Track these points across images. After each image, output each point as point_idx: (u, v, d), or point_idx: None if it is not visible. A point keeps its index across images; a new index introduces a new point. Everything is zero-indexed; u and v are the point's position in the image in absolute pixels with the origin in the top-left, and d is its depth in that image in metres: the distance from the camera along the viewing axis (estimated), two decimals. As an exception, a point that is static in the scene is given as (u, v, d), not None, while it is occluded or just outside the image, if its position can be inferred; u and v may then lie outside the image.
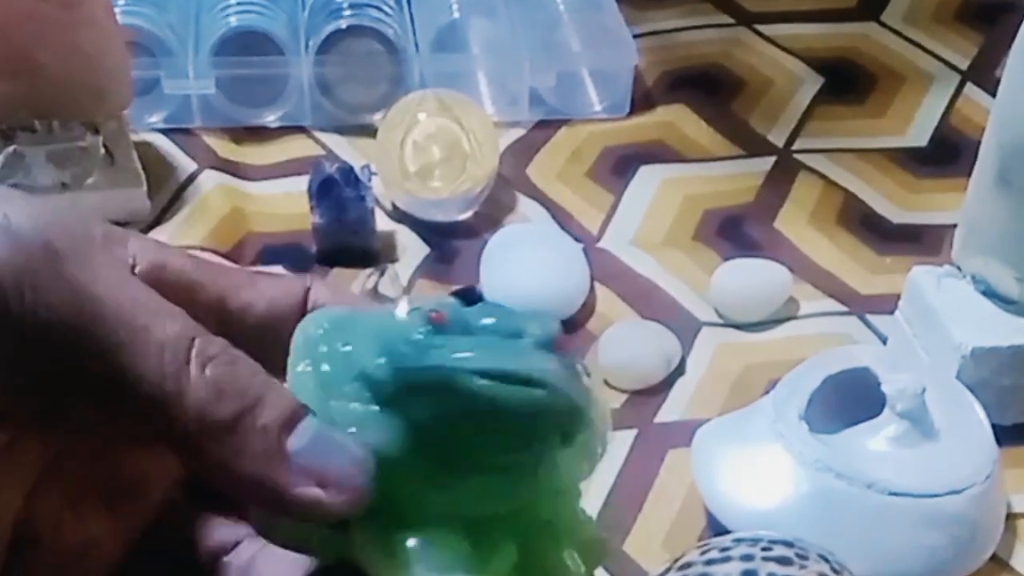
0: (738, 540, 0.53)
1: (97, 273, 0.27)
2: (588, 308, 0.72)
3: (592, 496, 0.63)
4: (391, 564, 0.28)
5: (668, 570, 0.53)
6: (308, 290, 0.31)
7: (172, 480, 0.32)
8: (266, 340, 0.31)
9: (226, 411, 0.27)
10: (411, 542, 0.28)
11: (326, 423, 0.28)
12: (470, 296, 0.71)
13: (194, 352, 0.27)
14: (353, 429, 0.28)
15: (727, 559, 0.52)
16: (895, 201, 0.80)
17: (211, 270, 0.31)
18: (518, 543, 0.30)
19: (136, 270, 0.29)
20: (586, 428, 0.30)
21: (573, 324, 0.70)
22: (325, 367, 0.29)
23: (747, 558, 0.52)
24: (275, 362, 0.30)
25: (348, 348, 0.29)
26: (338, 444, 0.28)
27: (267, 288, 0.31)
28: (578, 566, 0.31)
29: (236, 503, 0.31)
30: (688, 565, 0.53)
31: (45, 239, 0.26)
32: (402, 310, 0.29)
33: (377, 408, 0.28)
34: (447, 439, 0.28)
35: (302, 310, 0.31)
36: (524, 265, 0.71)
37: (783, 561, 0.51)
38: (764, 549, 0.52)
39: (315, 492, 0.28)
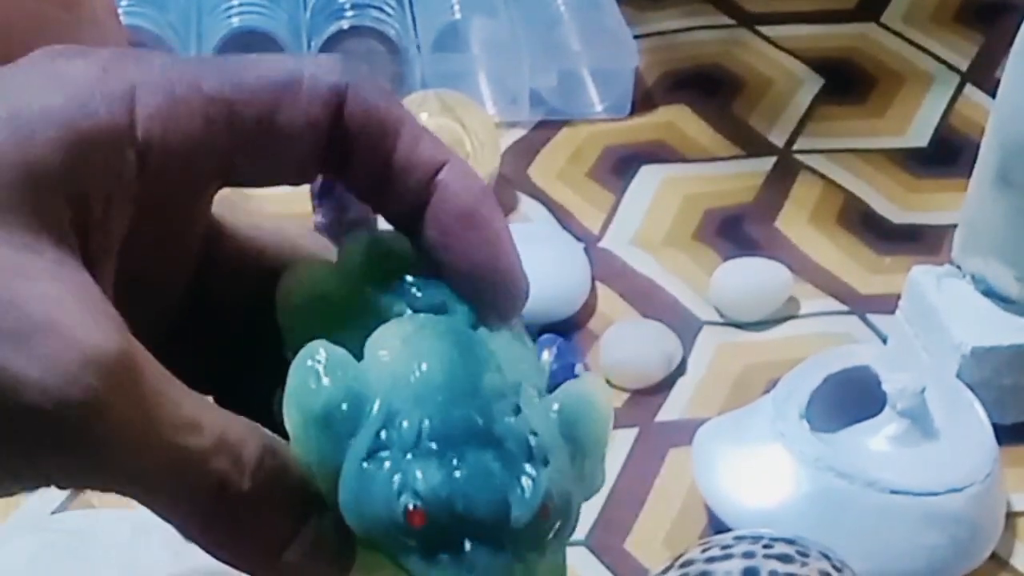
0: (739, 538, 0.54)
1: (129, 425, 0.26)
2: (589, 307, 0.72)
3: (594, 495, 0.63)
4: None
5: (669, 568, 0.53)
6: (341, 104, 0.28)
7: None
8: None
9: (236, 533, 0.27)
10: None
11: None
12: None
13: (223, 487, 0.27)
14: None
15: (728, 556, 0.52)
16: (895, 201, 0.80)
17: (223, 127, 0.28)
18: None
19: (148, 157, 0.27)
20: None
21: (574, 324, 0.71)
22: (307, 450, 0.28)
23: (748, 555, 0.52)
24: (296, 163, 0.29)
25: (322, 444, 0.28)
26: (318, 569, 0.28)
27: (284, 144, 0.28)
28: None
29: None
30: (689, 563, 0.53)
31: (84, 394, 0.25)
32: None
33: None
34: None
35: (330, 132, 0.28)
36: (525, 264, 0.71)
37: (784, 559, 0.52)
38: (765, 547, 0.52)
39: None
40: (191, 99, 0.27)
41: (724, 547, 0.53)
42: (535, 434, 0.28)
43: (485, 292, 0.30)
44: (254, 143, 0.28)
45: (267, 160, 0.28)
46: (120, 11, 0.78)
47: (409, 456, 0.27)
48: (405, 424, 0.27)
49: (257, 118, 0.28)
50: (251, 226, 0.32)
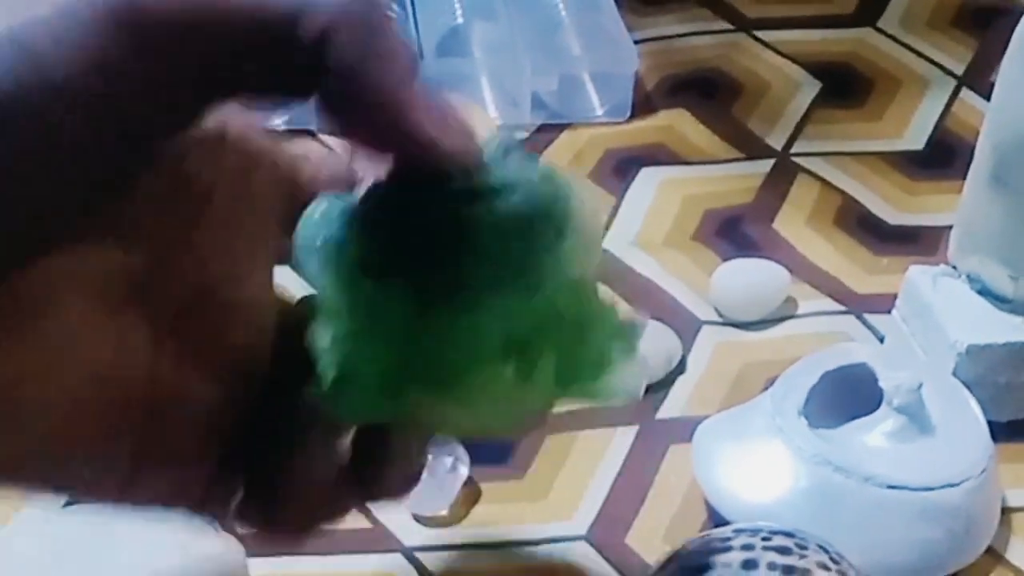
0: (739, 531, 0.54)
1: None
2: (590, 307, 0.73)
3: (594, 490, 0.64)
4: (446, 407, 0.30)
5: (669, 560, 0.54)
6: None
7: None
8: None
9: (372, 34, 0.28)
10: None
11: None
12: None
13: None
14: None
15: (728, 548, 0.53)
16: (892, 203, 0.81)
17: (273, 136, 0.32)
18: (554, 353, 0.31)
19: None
20: (572, 217, 0.31)
21: (575, 323, 0.71)
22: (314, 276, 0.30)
23: (747, 547, 0.53)
24: None
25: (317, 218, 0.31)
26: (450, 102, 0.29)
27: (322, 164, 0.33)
28: (616, 352, 0.33)
29: None
30: (689, 555, 0.53)
31: None
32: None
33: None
34: (452, 277, 0.29)
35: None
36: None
37: (783, 551, 0.52)
38: (764, 539, 0.53)
39: (438, 131, 0.29)
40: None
41: (724, 539, 0.54)
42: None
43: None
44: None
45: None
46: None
47: None
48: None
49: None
50: None
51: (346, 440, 0.33)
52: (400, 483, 0.34)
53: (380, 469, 0.34)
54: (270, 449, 0.33)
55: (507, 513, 0.63)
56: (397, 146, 0.29)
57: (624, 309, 0.33)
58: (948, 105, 0.88)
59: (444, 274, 0.29)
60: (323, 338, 0.31)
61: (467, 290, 0.29)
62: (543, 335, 0.31)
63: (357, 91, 0.28)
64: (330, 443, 0.33)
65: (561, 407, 0.33)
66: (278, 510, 0.33)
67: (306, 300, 0.33)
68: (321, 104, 0.28)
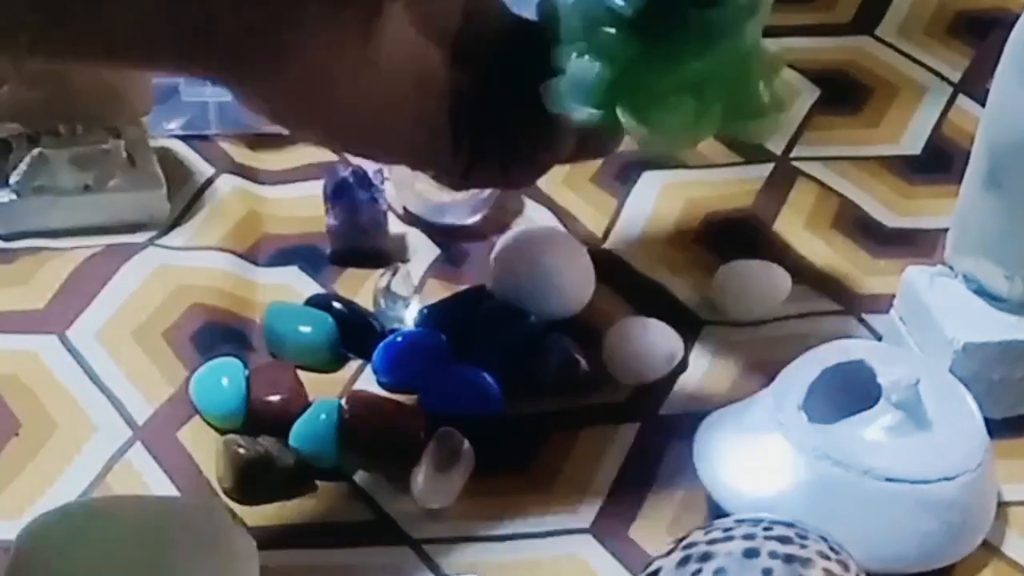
0: (740, 521, 0.56)
1: None
2: (594, 307, 0.74)
3: (598, 484, 0.65)
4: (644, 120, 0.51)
5: (672, 550, 0.55)
6: None
7: None
8: None
9: None
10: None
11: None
12: (479, 296, 0.74)
13: None
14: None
15: (730, 538, 0.54)
16: (889, 206, 0.82)
17: None
18: (726, 96, 0.52)
19: None
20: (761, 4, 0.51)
21: (579, 322, 0.73)
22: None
23: (749, 537, 0.54)
24: None
25: None
26: None
27: None
28: (771, 105, 0.54)
29: None
30: (692, 544, 0.55)
31: None
32: None
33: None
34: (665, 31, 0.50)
35: None
36: (532, 266, 0.73)
37: (783, 540, 0.54)
38: (766, 529, 0.54)
39: None
40: None
41: (726, 529, 0.55)
42: None
43: None
44: None
45: None
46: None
47: None
48: None
49: None
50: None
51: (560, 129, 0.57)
52: (594, 155, 0.65)
53: (582, 149, 0.60)
54: (506, 130, 0.55)
55: (512, 506, 0.64)
56: None
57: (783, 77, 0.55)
58: (945, 111, 0.90)
59: (660, 28, 0.48)
60: (567, 54, 0.51)
61: (674, 42, 0.49)
62: (721, 82, 0.51)
63: None
64: (551, 128, 0.56)
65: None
66: (506, 171, 0.59)
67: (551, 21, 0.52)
68: None
